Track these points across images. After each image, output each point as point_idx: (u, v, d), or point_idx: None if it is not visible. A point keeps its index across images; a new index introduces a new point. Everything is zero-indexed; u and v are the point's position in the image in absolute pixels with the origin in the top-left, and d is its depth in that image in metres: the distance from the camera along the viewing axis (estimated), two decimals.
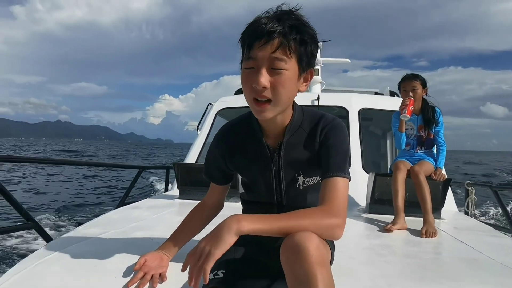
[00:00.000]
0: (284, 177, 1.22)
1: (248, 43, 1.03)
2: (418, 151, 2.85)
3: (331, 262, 1.23)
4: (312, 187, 1.23)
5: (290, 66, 1.02)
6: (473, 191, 3.92)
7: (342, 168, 1.10)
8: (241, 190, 1.38)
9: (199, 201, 1.43)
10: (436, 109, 2.82)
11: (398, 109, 2.90)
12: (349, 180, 1.12)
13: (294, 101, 1.19)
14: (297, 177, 1.21)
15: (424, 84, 2.78)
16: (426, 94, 2.82)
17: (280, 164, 1.20)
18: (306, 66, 1.07)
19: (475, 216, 3.94)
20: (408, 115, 2.72)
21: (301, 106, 1.22)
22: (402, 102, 2.75)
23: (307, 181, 1.22)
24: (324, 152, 1.14)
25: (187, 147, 4.44)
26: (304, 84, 1.12)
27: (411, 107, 2.72)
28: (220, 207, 1.43)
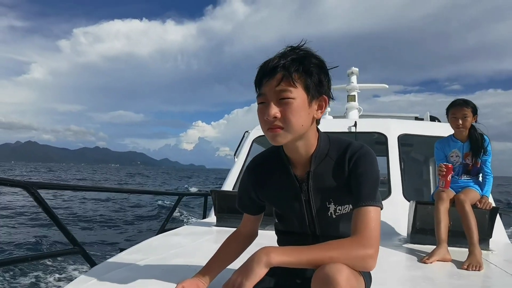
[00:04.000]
0: (315, 207, 1.22)
1: (258, 82, 1.12)
2: (463, 178, 2.73)
3: None
4: (345, 216, 1.22)
5: (297, 95, 1.07)
6: None
7: (372, 196, 1.09)
8: (275, 220, 1.40)
9: (235, 229, 1.46)
10: (485, 137, 2.67)
11: (439, 135, 2.81)
12: (381, 208, 1.11)
13: (319, 130, 1.21)
14: (328, 205, 1.21)
15: (475, 111, 2.64)
16: (476, 121, 2.68)
17: (310, 194, 1.21)
18: (316, 93, 1.11)
19: None
20: (446, 188, 2.55)
21: (327, 135, 1.24)
22: (439, 169, 2.57)
23: (339, 209, 1.21)
24: (354, 181, 1.14)
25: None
26: (319, 111, 1.15)
27: (449, 177, 2.53)
28: (254, 236, 1.45)
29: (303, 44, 1.12)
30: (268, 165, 1.29)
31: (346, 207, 1.21)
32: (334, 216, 1.22)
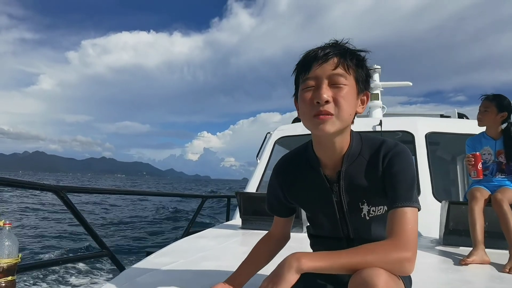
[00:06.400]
0: (347, 208, 1.17)
1: (307, 66, 1.06)
2: (497, 177, 2.61)
3: None
4: (380, 218, 1.16)
5: (349, 83, 1.04)
6: None
7: (409, 197, 1.04)
8: (307, 223, 1.35)
9: (261, 231, 1.43)
10: None
11: (468, 133, 2.71)
12: (419, 209, 1.05)
13: (351, 129, 1.16)
14: (361, 206, 1.16)
15: (500, 107, 2.54)
16: (507, 119, 2.57)
17: (342, 194, 1.16)
18: (363, 86, 1.09)
19: None
20: (479, 177, 2.52)
21: (359, 133, 1.18)
22: (467, 160, 2.57)
23: (373, 211, 1.16)
24: (389, 181, 1.08)
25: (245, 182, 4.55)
26: (361, 106, 1.11)
27: (479, 166, 2.51)
28: (286, 239, 1.41)
29: (347, 42, 1.09)
30: (297, 165, 1.25)
31: (380, 208, 1.16)
32: (367, 218, 1.17)
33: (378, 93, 5.53)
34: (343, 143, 1.12)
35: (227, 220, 4.54)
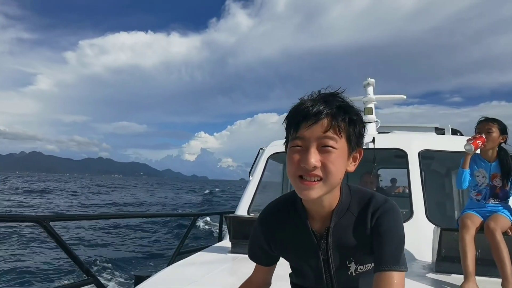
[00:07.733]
0: (334, 266, 1.12)
1: (295, 124, 1.00)
2: (490, 202, 2.56)
3: None
4: (367, 272, 1.12)
5: (340, 145, 0.98)
6: None
7: (397, 259, 0.99)
8: (290, 270, 1.30)
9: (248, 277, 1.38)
10: None
11: (462, 150, 2.68)
12: (406, 271, 1.00)
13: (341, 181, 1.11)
14: (348, 265, 1.11)
15: (502, 130, 2.54)
16: (505, 142, 2.57)
17: (329, 252, 1.11)
18: (355, 145, 1.03)
19: None
20: (473, 146, 2.52)
21: (348, 186, 1.13)
22: (473, 136, 2.57)
23: (360, 268, 1.12)
24: (376, 241, 1.03)
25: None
26: (353, 163, 1.06)
27: (478, 141, 2.52)
28: (267, 285, 1.36)
29: (342, 92, 1.03)
30: (283, 216, 1.18)
31: (368, 266, 1.12)
32: (354, 274, 1.13)
33: (372, 107, 5.46)
34: (331, 199, 1.07)
35: (220, 239, 4.46)
